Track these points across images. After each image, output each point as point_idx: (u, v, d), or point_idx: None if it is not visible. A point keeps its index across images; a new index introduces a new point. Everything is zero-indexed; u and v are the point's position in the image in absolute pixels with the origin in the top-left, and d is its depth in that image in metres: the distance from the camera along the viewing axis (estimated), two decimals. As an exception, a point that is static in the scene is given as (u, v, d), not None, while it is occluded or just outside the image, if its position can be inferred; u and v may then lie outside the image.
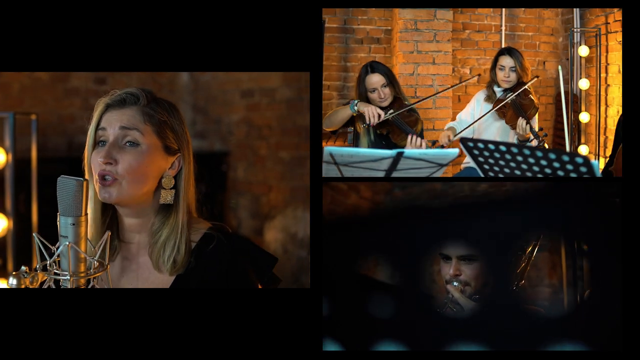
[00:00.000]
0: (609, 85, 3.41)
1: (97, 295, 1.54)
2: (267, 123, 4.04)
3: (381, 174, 1.84)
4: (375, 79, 2.65)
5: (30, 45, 1.81)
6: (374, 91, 2.66)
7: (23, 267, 1.25)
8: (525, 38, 3.99)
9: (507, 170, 1.88)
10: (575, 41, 3.65)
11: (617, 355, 1.57)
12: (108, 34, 1.83)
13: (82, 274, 1.26)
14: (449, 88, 3.16)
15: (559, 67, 2.76)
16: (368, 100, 2.69)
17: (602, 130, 3.49)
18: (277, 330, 1.63)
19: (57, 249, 1.26)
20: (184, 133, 1.49)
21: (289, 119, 3.94)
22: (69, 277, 1.25)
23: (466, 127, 2.86)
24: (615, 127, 2.84)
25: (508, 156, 1.82)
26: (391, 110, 2.64)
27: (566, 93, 3.67)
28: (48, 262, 1.26)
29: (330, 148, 1.69)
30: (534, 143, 2.70)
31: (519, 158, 1.80)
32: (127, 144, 1.40)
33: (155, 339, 1.62)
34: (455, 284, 1.54)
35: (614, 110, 3.34)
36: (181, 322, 1.62)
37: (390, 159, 1.75)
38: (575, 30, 3.65)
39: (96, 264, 1.29)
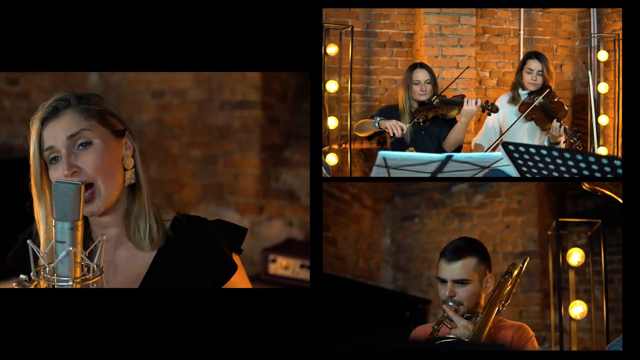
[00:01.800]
0: (626, 88, 3.51)
1: (90, 295, 1.51)
2: (178, 123, 4.12)
3: (427, 176, 1.94)
4: (422, 74, 2.88)
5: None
6: (417, 84, 2.87)
7: (22, 276, 1.25)
8: (543, 42, 4.09)
9: (545, 172, 1.98)
10: (593, 45, 3.75)
11: (617, 355, 1.65)
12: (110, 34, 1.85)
13: (79, 279, 1.25)
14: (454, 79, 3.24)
15: (589, 73, 2.85)
16: (411, 92, 2.90)
17: (619, 133, 3.58)
18: (278, 330, 1.64)
19: (54, 254, 1.25)
20: (120, 114, 1.50)
21: (200, 118, 4.03)
22: (71, 283, 1.24)
23: (498, 139, 2.96)
24: None
25: (548, 159, 1.91)
26: (435, 96, 2.86)
27: (585, 96, 3.78)
28: (48, 268, 1.25)
29: (384, 152, 1.78)
30: (564, 144, 2.80)
31: (559, 161, 1.89)
32: (81, 147, 1.39)
33: (154, 339, 1.60)
34: (450, 304, 1.69)
35: (632, 113, 3.43)
36: (181, 322, 1.61)
37: (438, 162, 1.84)
38: (593, 35, 3.75)
39: (95, 268, 1.28)
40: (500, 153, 1.96)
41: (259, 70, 3.65)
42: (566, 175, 1.93)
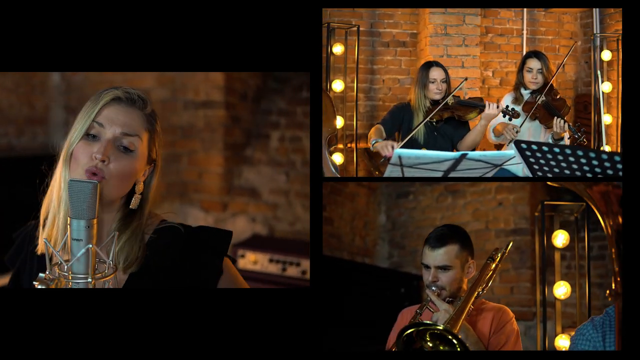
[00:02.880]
0: (629, 88, 3.52)
1: (88, 295, 1.51)
2: (142, 122, 4.17)
3: (440, 174, 1.95)
4: (438, 73, 2.89)
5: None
6: (433, 82, 2.88)
7: (42, 275, 1.26)
8: (546, 41, 4.12)
9: (556, 170, 2.00)
10: (596, 45, 3.78)
11: (617, 355, 1.64)
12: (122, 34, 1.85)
13: (96, 276, 1.27)
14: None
15: (599, 72, 2.88)
16: (426, 90, 2.88)
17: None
18: (277, 330, 1.63)
19: (70, 252, 1.26)
20: (162, 145, 1.50)
21: (164, 118, 4.03)
22: (90, 280, 1.26)
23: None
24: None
25: (560, 157, 1.93)
26: (449, 96, 2.86)
27: (587, 95, 3.80)
28: (65, 267, 1.26)
29: (399, 151, 1.80)
30: (569, 140, 2.82)
31: (571, 159, 1.91)
32: (124, 147, 1.38)
33: (153, 339, 1.60)
34: (433, 288, 1.76)
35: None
36: (180, 322, 1.60)
37: (452, 160, 1.85)
38: (596, 35, 3.78)
39: (112, 264, 1.29)
40: (513, 151, 1.97)
41: (259, 70, 3.67)
42: (578, 174, 1.95)
